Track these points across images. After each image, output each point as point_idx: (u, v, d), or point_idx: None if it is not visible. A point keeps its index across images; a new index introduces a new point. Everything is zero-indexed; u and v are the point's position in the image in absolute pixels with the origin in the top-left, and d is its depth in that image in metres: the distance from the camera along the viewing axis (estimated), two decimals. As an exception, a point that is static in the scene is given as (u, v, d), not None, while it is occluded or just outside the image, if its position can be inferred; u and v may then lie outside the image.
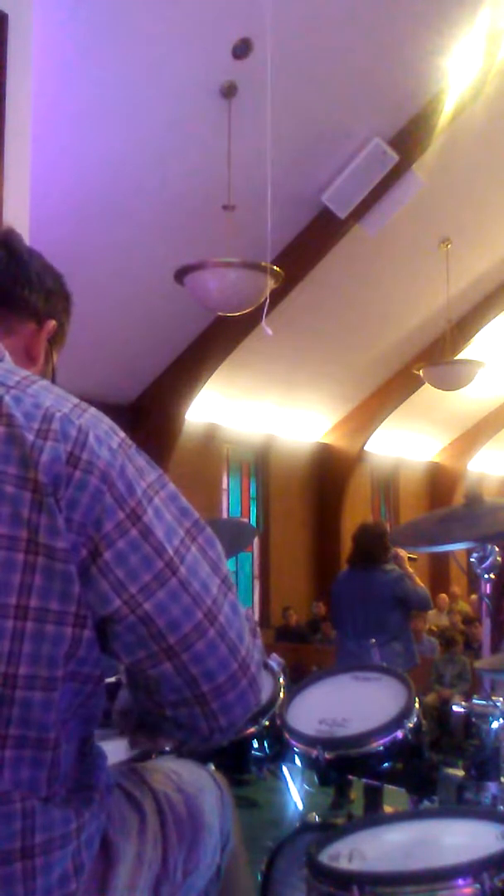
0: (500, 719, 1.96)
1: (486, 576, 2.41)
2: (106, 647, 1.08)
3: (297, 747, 2.14)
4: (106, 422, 1.11)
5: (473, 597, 10.74)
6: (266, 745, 2.27)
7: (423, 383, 9.19)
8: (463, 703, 2.07)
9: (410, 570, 5.20)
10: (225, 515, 10.36)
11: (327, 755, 2.06)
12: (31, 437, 1.03)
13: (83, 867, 1.08)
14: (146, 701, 1.14)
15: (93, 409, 1.11)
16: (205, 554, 1.11)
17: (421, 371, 8.67)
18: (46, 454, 1.02)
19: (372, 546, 5.12)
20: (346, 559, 5.50)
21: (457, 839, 1.67)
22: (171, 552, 1.07)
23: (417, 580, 5.21)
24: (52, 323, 1.29)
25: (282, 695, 2.34)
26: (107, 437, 1.08)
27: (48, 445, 1.03)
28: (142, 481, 1.08)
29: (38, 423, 1.04)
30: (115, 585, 1.04)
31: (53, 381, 1.32)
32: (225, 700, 1.10)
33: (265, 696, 2.26)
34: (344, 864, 1.59)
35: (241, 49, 5.66)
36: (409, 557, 5.24)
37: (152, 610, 1.05)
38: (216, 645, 1.08)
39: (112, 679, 1.23)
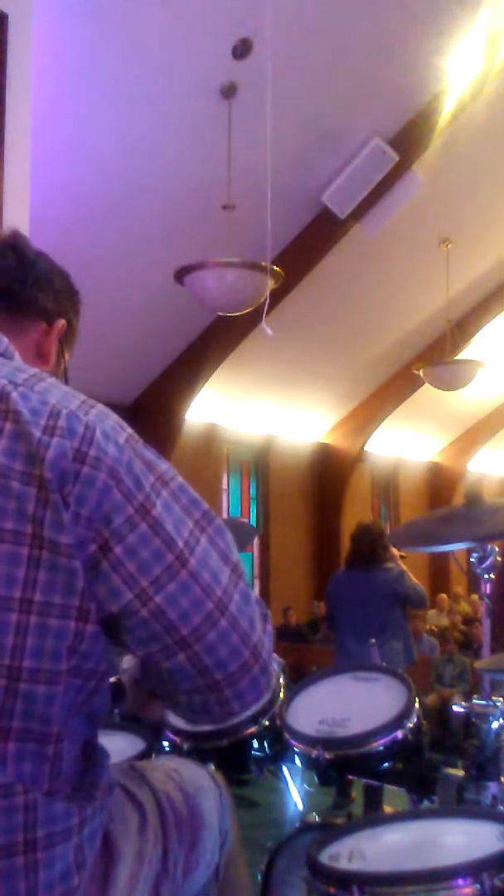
0: (500, 719, 1.96)
1: (486, 576, 2.41)
2: (119, 641, 1.09)
3: (297, 747, 2.14)
4: (113, 418, 1.12)
5: (474, 597, 10.75)
6: (266, 745, 2.27)
7: (423, 383, 9.19)
8: (463, 703, 2.07)
9: (404, 567, 5.22)
10: (225, 515, 10.36)
11: (327, 755, 2.06)
12: (37, 433, 1.04)
13: (85, 863, 1.08)
14: (159, 688, 1.15)
15: (100, 406, 1.12)
16: (214, 544, 1.12)
17: (421, 371, 8.67)
18: (52, 450, 1.03)
19: (373, 546, 5.12)
20: (344, 559, 5.48)
21: (457, 839, 1.67)
22: (180, 545, 1.08)
23: (413, 577, 5.22)
24: (62, 322, 1.31)
25: (282, 695, 2.34)
26: (113, 432, 1.09)
27: (54, 442, 1.04)
28: (150, 475, 1.10)
29: (45, 420, 1.05)
30: (127, 579, 1.05)
31: (66, 378, 1.35)
32: (238, 687, 1.11)
33: (274, 682, 2.26)
34: (344, 864, 1.59)
35: (241, 49, 5.66)
36: (400, 556, 5.25)
37: (164, 602, 1.06)
38: (228, 634, 1.09)
39: (112, 679, 1.23)
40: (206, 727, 1.19)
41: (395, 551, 5.17)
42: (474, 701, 2.03)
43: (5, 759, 1.00)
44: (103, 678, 1.09)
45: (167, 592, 1.06)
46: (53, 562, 1.02)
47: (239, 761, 2.26)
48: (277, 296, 6.29)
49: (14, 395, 1.06)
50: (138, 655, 1.11)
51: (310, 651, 9.04)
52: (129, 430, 1.13)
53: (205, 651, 1.08)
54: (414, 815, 1.85)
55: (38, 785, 1.02)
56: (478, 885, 1.44)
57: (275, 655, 2.48)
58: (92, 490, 1.04)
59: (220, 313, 6.30)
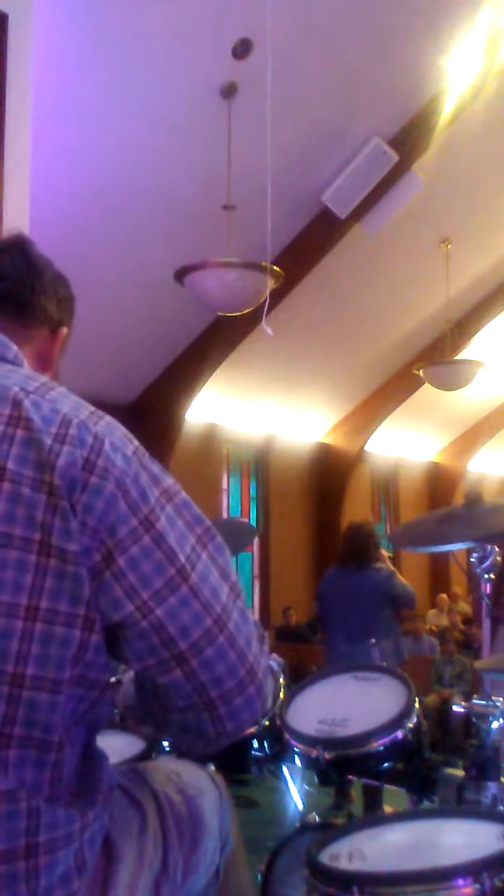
0: (500, 719, 1.95)
1: (486, 576, 2.41)
2: (116, 654, 1.08)
3: (297, 747, 2.14)
4: (121, 430, 1.13)
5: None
6: (266, 745, 2.27)
7: (423, 383, 9.19)
8: (463, 703, 2.07)
9: (392, 567, 5.30)
10: (225, 515, 10.35)
11: (327, 755, 2.06)
12: (48, 441, 1.04)
13: (85, 867, 1.08)
14: (154, 704, 1.14)
15: (108, 417, 1.12)
16: (215, 561, 1.13)
17: (421, 371, 8.66)
18: (63, 458, 1.04)
19: (365, 545, 5.18)
20: (337, 559, 5.50)
21: (457, 839, 1.67)
22: (182, 559, 1.08)
23: (402, 578, 5.28)
24: (65, 331, 1.31)
25: (282, 695, 2.34)
26: (122, 444, 1.10)
27: (65, 450, 1.04)
28: (155, 489, 1.10)
29: (56, 428, 1.05)
30: (128, 591, 1.05)
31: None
32: (232, 706, 1.11)
33: (269, 700, 2.26)
34: (344, 864, 1.59)
35: (241, 49, 5.66)
36: (388, 556, 5.35)
37: (164, 616, 1.06)
38: (225, 651, 1.09)
39: (112, 679, 1.23)
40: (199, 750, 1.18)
41: (382, 552, 5.26)
42: (474, 701, 2.03)
43: (7, 766, 1.00)
44: (106, 689, 1.09)
45: (168, 606, 1.06)
46: (60, 569, 1.02)
47: (239, 761, 2.26)
48: (277, 296, 6.29)
49: (26, 402, 1.06)
50: (135, 669, 1.11)
51: (310, 651, 9.03)
52: (136, 443, 1.13)
53: (201, 667, 1.08)
54: (414, 815, 1.85)
55: (39, 791, 1.02)
56: (478, 885, 1.44)
57: (274, 655, 2.49)
58: (99, 500, 1.04)
59: (220, 313, 6.30)
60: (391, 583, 5.07)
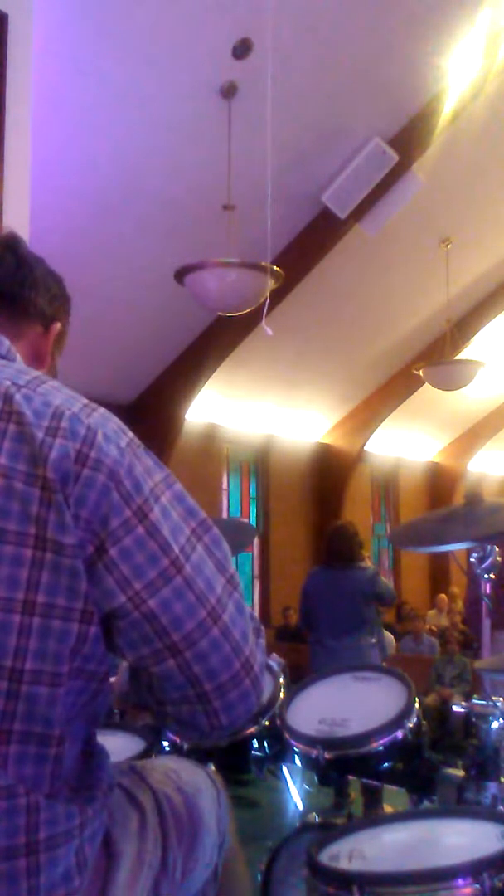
0: (500, 719, 1.96)
1: (486, 576, 2.41)
2: (110, 644, 1.08)
3: (297, 747, 2.14)
4: (114, 421, 1.12)
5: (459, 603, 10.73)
6: (266, 745, 2.27)
7: (423, 383, 9.19)
8: (463, 703, 2.07)
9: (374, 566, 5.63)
10: (225, 515, 10.35)
11: (327, 755, 2.06)
12: (40, 434, 1.04)
13: (86, 864, 1.08)
14: (148, 698, 1.14)
15: (102, 409, 1.12)
16: (210, 553, 1.12)
17: (421, 371, 8.66)
18: (55, 451, 1.03)
19: (350, 545, 5.34)
20: (322, 559, 5.68)
21: (457, 839, 1.67)
22: (176, 550, 1.08)
23: (382, 577, 5.55)
24: (58, 326, 1.31)
25: (282, 695, 2.34)
26: (115, 436, 1.09)
27: (57, 443, 1.04)
28: (149, 480, 1.09)
29: (48, 421, 1.05)
30: (121, 582, 1.05)
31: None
32: (227, 699, 1.11)
33: (266, 696, 2.26)
34: (344, 864, 1.59)
35: (241, 49, 5.65)
36: (367, 556, 5.56)
37: (156, 607, 1.06)
38: (219, 643, 1.09)
39: (113, 679, 1.23)
40: (194, 741, 1.18)
41: (363, 552, 5.52)
42: (474, 701, 2.03)
43: (7, 762, 1.00)
44: (105, 680, 1.09)
45: (161, 597, 1.06)
46: (57, 563, 1.02)
47: (239, 761, 2.26)
48: (277, 296, 6.29)
49: (17, 396, 1.06)
50: (129, 660, 1.10)
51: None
52: (131, 435, 1.13)
53: (195, 659, 1.08)
54: (414, 815, 1.85)
55: (39, 787, 1.02)
56: (478, 885, 1.44)
57: (274, 655, 2.49)
58: (91, 491, 1.04)
59: (220, 313, 6.30)
60: (377, 581, 5.27)
